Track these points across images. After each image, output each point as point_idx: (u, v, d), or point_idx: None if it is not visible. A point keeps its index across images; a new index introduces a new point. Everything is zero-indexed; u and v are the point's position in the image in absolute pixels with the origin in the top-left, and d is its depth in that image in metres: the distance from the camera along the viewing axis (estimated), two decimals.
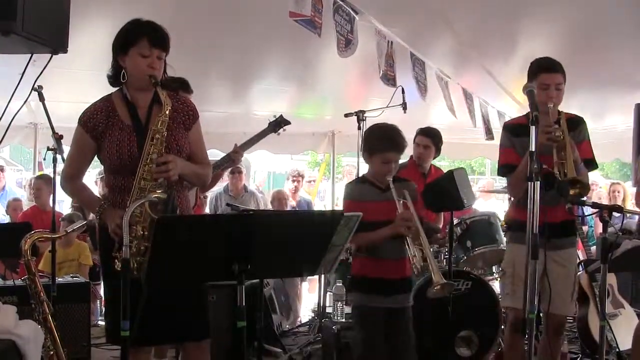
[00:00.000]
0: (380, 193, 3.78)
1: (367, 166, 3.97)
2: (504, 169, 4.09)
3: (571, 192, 3.55)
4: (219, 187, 7.49)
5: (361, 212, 3.39)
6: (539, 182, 3.24)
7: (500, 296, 4.22)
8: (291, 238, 2.57)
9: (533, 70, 3.99)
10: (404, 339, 3.86)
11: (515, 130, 4.05)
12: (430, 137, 5.72)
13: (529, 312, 3.26)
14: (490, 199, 10.71)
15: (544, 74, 3.89)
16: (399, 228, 3.63)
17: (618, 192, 8.84)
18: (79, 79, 6.32)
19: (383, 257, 3.74)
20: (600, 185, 9.39)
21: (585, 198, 3.71)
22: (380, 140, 3.81)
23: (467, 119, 8.23)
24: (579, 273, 5.68)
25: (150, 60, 3.10)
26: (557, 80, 3.88)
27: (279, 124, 5.34)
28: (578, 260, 6.46)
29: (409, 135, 6.03)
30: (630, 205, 7.43)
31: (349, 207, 3.76)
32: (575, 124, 4.01)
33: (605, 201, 8.76)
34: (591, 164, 4.07)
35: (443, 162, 13.64)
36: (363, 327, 3.85)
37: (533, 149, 3.29)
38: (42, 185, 7.01)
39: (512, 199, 4.29)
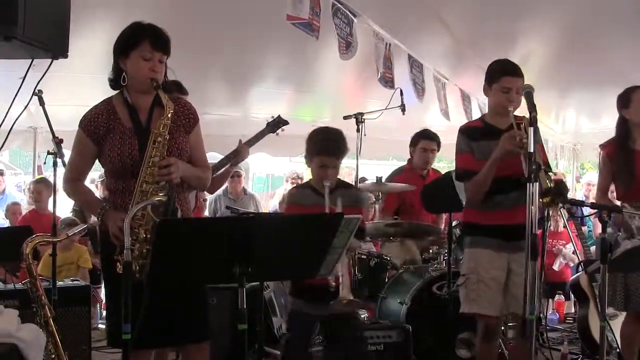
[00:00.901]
0: (321, 198, 3.72)
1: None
2: (462, 173, 4.04)
3: (545, 200, 3.45)
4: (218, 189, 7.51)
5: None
6: (537, 183, 3.25)
7: (462, 302, 4.08)
8: (292, 240, 2.58)
9: (493, 72, 3.96)
10: (353, 346, 3.83)
11: (472, 134, 4.02)
12: (436, 140, 5.80)
13: (529, 313, 3.26)
14: None
15: (507, 77, 3.86)
16: None
17: None
18: (79, 82, 6.32)
19: None
20: None
21: (584, 199, 3.72)
22: (317, 144, 3.81)
23: (465, 120, 8.24)
24: (578, 274, 5.71)
25: (151, 63, 3.11)
26: (519, 84, 3.83)
27: (277, 124, 5.36)
28: (578, 261, 6.50)
29: (407, 137, 6.07)
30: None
31: (289, 211, 3.81)
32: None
33: None
34: (546, 167, 4.04)
35: (442, 164, 13.64)
36: (292, 331, 3.88)
37: (531, 150, 3.29)
38: (42, 188, 7.01)
39: (465, 203, 4.21)
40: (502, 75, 3.89)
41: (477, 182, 3.89)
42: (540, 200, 3.39)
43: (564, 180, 3.74)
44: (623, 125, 4.56)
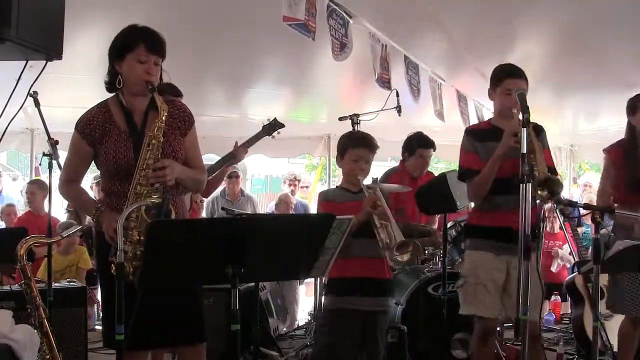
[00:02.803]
0: (352, 195, 3.84)
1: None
2: (466, 172, 4.05)
3: (541, 192, 3.47)
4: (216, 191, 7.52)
5: (334, 211, 3.33)
6: (530, 184, 3.26)
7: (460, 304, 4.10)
8: (284, 241, 2.59)
9: (497, 76, 4.01)
10: (373, 350, 3.83)
11: (479, 135, 4.05)
12: (433, 147, 5.73)
13: (521, 314, 3.27)
14: None
15: (509, 79, 3.91)
16: (365, 208, 3.61)
17: None
18: (75, 84, 6.33)
19: (351, 256, 3.67)
20: (594, 186, 9.38)
21: (578, 200, 3.72)
22: (350, 139, 3.93)
23: (461, 122, 8.25)
24: (573, 274, 5.73)
25: (147, 66, 3.11)
26: (521, 86, 3.85)
27: (273, 126, 5.38)
28: (573, 262, 6.51)
29: (404, 138, 6.08)
30: None
31: (323, 208, 3.86)
32: (536, 132, 3.90)
33: None
34: (553, 172, 4.06)
35: (440, 165, 13.65)
36: (331, 331, 3.83)
37: (524, 151, 3.31)
38: (35, 189, 7.02)
39: (473, 205, 4.25)
40: (504, 78, 3.94)
41: (480, 180, 3.91)
42: (538, 192, 3.42)
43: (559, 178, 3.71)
44: (631, 131, 4.57)
